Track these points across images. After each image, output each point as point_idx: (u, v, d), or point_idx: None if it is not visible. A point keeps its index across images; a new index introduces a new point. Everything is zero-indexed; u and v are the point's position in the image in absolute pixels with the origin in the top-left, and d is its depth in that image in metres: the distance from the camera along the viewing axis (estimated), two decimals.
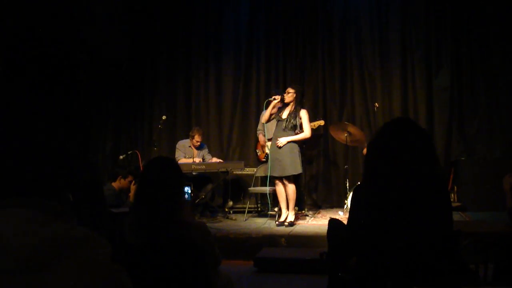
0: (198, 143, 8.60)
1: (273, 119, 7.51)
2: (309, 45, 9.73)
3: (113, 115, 10.05)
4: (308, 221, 7.78)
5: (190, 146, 8.67)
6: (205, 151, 8.79)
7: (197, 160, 8.43)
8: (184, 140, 8.77)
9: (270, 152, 7.46)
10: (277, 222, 7.36)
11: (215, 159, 8.62)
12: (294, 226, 7.24)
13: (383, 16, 9.48)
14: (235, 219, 8.07)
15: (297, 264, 5.71)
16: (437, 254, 2.49)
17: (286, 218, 7.34)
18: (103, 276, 1.42)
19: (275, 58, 9.84)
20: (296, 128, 7.27)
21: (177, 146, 8.70)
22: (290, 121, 7.25)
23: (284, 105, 7.40)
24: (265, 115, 7.44)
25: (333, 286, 2.95)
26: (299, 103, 7.42)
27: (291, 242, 6.55)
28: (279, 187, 7.36)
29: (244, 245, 6.56)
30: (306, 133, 7.31)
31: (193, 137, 8.58)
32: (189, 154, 8.54)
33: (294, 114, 7.27)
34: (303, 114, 7.36)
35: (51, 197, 1.48)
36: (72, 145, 1.59)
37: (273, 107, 7.39)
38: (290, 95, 7.34)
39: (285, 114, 7.33)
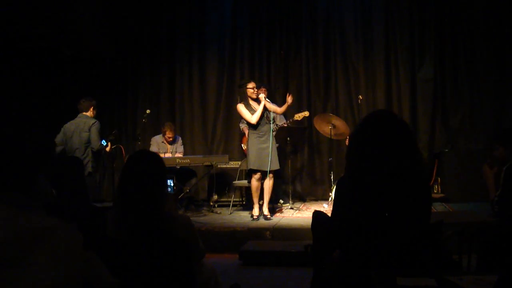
0: (170, 139, 8.64)
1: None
2: (293, 38, 9.72)
3: (97, 109, 9.97)
4: (292, 214, 7.79)
5: (163, 142, 8.66)
6: (177, 144, 8.81)
7: (168, 155, 8.41)
8: (157, 136, 8.81)
9: (260, 147, 7.30)
10: (255, 217, 7.35)
11: (178, 155, 8.58)
12: (279, 219, 7.26)
13: (367, 9, 9.49)
14: (220, 213, 8.06)
15: (282, 257, 5.73)
16: (419, 245, 2.51)
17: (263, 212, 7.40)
18: (75, 263, 1.41)
19: (259, 51, 9.81)
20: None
21: (151, 141, 8.71)
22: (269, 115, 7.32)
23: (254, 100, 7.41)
24: (257, 115, 7.25)
25: (317, 278, 2.95)
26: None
27: (276, 235, 6.57)
28: (260, 182, 7.35)
29: (229, 239, 6.56)
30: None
31: (164, 133, 8.61)
32: (163, 149, 8.53)
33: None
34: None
35: (16, 190, 1.47)
36: (49, 139, 1.57)
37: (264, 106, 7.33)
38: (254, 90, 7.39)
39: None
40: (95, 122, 7.61)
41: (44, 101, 8.60)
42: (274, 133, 7.42)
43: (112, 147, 8.09)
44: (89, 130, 7.51)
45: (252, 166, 7.26)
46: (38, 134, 1.54)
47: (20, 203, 1.44)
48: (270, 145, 7.20)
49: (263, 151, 7.22)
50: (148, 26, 9.95)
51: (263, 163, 7.21)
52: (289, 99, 7.33)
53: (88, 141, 7.50)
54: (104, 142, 7.65)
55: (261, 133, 7.29)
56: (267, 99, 7.35)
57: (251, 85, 7.39)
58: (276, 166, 7.38)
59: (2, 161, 1.47)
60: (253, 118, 7.23)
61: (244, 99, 7.39)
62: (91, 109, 7.70)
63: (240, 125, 8.72)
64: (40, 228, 1.39)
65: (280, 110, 7.45)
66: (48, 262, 1.35)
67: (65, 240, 1.41)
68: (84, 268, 1.45)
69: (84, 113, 7.67)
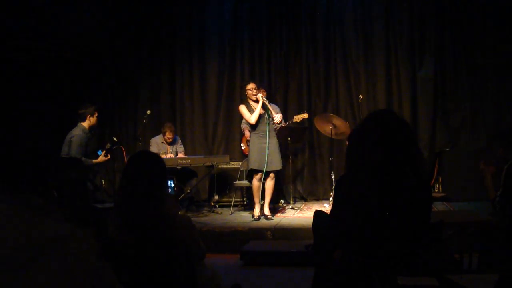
0: (170, 139, 8.60)
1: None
2: (293, 37, 9.72)
3: (97, 110, 9.98)
4: (293, 214, 7.79)
5: (162, 142, 8.63)
6: (177, 145, 8.79)
7: (169, 155, 8.40)
8: (156, 137, 8.76)
9: (261, 147, 7.32)
10: (256, 217, 7.36)
11: (180, 155, 8.57)
12: (280, 219, 7.26)
13: (367, 8, 9.49)
14: (221, 213, 8.06)
15: (283, 257, 5.73)
16: (420, 244, 2.50)
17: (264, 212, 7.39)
18: (88, 272, 1.41)
19: (259, 50, 9.80)
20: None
21: (150, 142, 8.67)
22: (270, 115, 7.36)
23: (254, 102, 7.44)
24: (256, 115, 7.29)
25: (319, 278, 2.95)
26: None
27: (277, 235, 6.57)
28: (261, 182, 7.35)
29: (230, 239, 6.56)
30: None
31: (164, 134, 8.58)
32: (163, 150, 8.50)
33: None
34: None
35: (35, 193, 1.47)
36: (54, 142, 1.58)
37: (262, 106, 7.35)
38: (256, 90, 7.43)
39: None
40: (74, 135, 7.17)
41: (44, 103, 8.59)
42: (275, 132, 7.43)
43: (113, 147, 8.04)
44: (69, 144, 7.11)
45: (252, 166, 7.29)
46: (45, 136, 1.55)
47: (37, 206, 1.45)
48: (266, 145, 7.22)
49: (263, 151, 7.23)
50: (148, 27, 9.94)
51: (264, 163, 7.22)
52: (259, 97, 7.33)
53: (67, 155, 7.03)
54: (99, 152, 7.51)
55: (262, 133, 7.30)
56: (265, 98, 7.36)
57: (249, 86, 7.45)
58: (278, 166, 7.40)
59: (20, 164, 1.47)
60: (252, 118, 7.29)
61: (245, 100, 7.45)
62: (88, 117, 7.35)
63: (242, 125, 8.71)
64: (55, 235, 1.39)
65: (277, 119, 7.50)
66: (59, 270, 1.35)
67: (79, 249, 1.41)
68: (94, 278, 1.45)
69: (81, 123, 7.34)
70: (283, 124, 7.94)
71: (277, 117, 7.35)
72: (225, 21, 9.94)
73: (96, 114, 7.49)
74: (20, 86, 7.90)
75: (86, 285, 1.41)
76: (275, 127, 7.42)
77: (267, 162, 7.19)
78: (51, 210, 1.48)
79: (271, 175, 7.31)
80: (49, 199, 1.51)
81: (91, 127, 7.48)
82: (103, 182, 9.14)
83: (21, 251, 1.34)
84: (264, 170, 7.20)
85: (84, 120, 7.36)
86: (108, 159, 7.62)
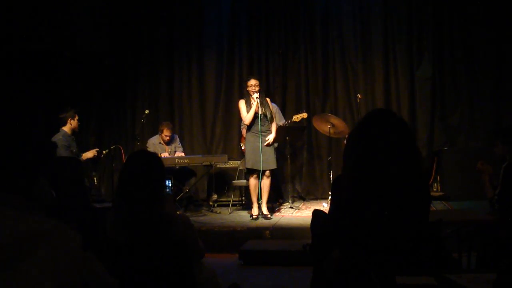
0: (168, 137, 8.55)
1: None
2: (291, 37, 9.72)
3: (96, 110, 9.98)
4: (292, 213, 7.80)
5: (160, 143, 8.58)
6: (176, 144, 8.76)
7: (165, 155, 8.36)
8: (153, 137, 8.72)
9: (255, 146, 7.30)
10: (254, 216, 7.36)
11: (177, 154, 8.54)
12: (279, 219, 7.26)
13: (365, 8, 9.49)
14: (220, 213, 8.06)
15: (281, 256, 5.74)
16: (419, 243, 2.50)
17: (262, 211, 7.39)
18: (76, 263, 1.41)
19: (257, 50, 9.80)
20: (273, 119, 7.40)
21: (147, 144, 8.63)
22: (266, 114, 7.30)
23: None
24: (250, 116, 7.27)
25: (317, 277, 2.95)
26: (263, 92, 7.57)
27: (276, 234, 6.58)
28: (257, 181, 7.33)
29: (228, 238, 6.57)
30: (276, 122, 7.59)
31: (162, 132, 8.54)
32: (160, 151, 8.46)
33: (266, 104, 7.35)
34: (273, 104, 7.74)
35: (17, 192, 1.47)
36: (48, 141, 1.58)
37: (257, 106, 7.29)
38: (257, 87, 7.34)
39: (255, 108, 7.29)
40: (56, 141, 7.10)
41: (43, 103, 8.59)
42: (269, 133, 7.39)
43: (112, 147, 8.04)
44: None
45: (247, 165, 7.30)
46: (38, 135, 1.54)
47: (19, 205, 1.45)
48: (259, 144, 7.20)
49: (258, 150, 7.22)
50: (147, 26, 9.95)
51: (258, 162, 7.22)
52: (254, 98, 7.28)
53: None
54: None
55: (256, 133, 7.28)
56: (259, 100, 7.29)
57: (249, 82, 7.38)
58: (272, 165, 7.36)
59: (2, 163, 1.47)
60: (246, 119, 7.29)
61: (246, 96, 7.42)
62: (69, 121, 7.37)
63: (242, 126, 8.70)
64: (38, 230, 1.39)
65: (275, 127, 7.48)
66: (47, 264, 1.35)
67: (64, 242, 1.41)
68: (83, 270, 1.45)
69: (62, 128, 7.36)
70: (282, 124, 7.94)
71: (270, 138, 7.29)
72: (223, 21, 9.94)
73: (77, 117, 7.49)
74: (18, 86, 7.90)
75: (75, 277, 1.41)
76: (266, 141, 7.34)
77: (262, 161, 7.18)
78: (33, 208, 1.48)
79: (267, 173, 7.29)
80: (32, 198, 1.51)
81: (73, 131, 7.48)
82: (95, 180, 9.12)
83: (7, 250, 1.34)
84: (261, 169, 7.19)
85: (65, 124, 7.39)
86: (99, 151, 7.61)
